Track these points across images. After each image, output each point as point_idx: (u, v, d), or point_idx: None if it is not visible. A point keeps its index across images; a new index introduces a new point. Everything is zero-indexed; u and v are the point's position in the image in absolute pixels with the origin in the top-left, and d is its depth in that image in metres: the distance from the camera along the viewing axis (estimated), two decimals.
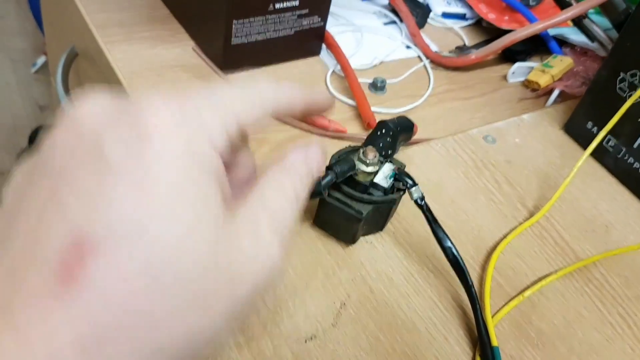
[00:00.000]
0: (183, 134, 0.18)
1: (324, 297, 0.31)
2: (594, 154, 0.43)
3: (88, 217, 0.16)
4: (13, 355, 0.15)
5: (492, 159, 0.42)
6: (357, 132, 0.43)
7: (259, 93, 0.23)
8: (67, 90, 0.56)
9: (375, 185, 0.32)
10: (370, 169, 0.32)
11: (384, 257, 0.34)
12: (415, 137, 0.44)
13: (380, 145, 0.33)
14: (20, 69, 1.57)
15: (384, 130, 0.33)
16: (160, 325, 0.16)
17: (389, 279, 0.33)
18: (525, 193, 0.40)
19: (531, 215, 0.38)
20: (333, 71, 0.49)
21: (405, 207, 0.36)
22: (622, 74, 0.41)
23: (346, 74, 0.46)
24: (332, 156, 0.33)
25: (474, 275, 0.34)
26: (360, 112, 0.44)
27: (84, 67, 0.59)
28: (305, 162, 0.24)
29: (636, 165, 0.42)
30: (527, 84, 0.53)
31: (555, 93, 0.51)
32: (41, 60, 1.57)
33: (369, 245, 0.34)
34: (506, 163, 0.42)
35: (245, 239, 0.19)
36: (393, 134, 0.33)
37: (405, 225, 0.36)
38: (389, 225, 0.36)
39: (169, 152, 0.17)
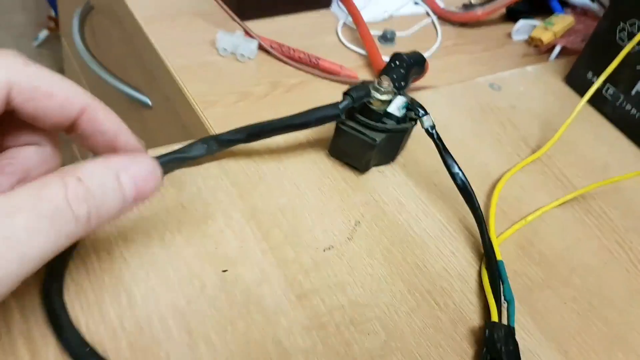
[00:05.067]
0: None
1: (340, 215, 0.33)
2: (593, 103, 0.45)
3: None
4: None
5: (497, 104, 0.44)
6: (367, 79, 0.45)
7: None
8: (86, 45, 0.57)
9: (389, 115, 0.34)
10: (384, 97, 0.33)
11: (395, 185, 0.36)
12: (422, 83, 0.46)
13: (394, 76, 0.35)
14: (22, 43, 1.57)
15: (397, 62, 0.35)
16: None
17: (400, 204, 0.35)
18: (528, 134, 0.42)
19: (533, 152, 0.40)
20: (344, 23, 0.50)
21: (415, 142, 0.38)
22: (621, 24, 0.43)
23: (357, 23, 0.48)
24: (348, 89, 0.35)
25: (480, 203, 0.36)
26: (371, 59, 0.46)
27: (98, 20, 0.61)
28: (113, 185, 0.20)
29: (633, 112, 0.44)
30: (531, 41, 0.54)
31: (557, 49, 0.53)
32: (43, 34, 1.58)
33: (380, 174, 0.36)
34: (510, 108, 0.44)
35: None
36: (407, 66, 0.35)
37: (415, 158, 0.38)
38: (399, 158, 0.37)
39: None
